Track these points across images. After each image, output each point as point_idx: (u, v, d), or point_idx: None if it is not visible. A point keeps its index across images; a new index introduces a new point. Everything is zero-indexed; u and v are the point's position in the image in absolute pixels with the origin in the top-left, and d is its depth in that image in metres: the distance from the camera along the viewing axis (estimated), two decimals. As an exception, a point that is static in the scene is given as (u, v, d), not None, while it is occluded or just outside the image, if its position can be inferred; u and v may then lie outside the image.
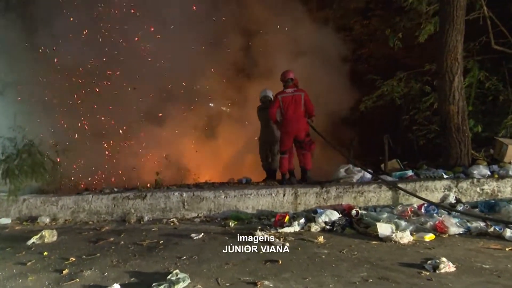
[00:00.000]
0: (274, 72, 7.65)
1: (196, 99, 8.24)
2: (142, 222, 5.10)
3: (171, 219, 5.11)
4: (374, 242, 3.73)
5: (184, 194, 5.33)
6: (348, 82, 11.43)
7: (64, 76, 7.13)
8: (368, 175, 5.54)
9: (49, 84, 7.00)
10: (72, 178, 6.39)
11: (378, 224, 3.96)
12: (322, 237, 3.87)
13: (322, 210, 4.61)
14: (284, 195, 5.16)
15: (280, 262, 3.14)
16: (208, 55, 8.38)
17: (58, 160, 6.13)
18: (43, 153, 6.00)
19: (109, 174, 6.64)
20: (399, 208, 4.61)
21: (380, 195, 5.02)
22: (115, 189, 5.90)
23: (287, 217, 4.54)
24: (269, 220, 4.85)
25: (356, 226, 4.27)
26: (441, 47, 5.79)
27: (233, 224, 4.68)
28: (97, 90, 7.26)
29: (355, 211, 4.55)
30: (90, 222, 5.26)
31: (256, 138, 7.14)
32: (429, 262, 2.98)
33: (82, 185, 6.26)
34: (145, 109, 7.52)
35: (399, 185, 5.01)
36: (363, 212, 4.61)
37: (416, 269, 2.92)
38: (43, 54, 7.13)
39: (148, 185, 6.15)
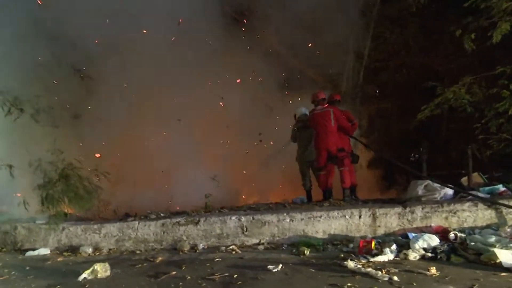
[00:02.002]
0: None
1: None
2: (197, 251, 4.57)
3: (230, 247, 4.58)
4: (503, 274, 3.06)
5: (243, 218, 4.78)
6: (389, 92, 11.01)
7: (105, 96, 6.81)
8: (450, 192, 4.90)
9: (92, 105, 6.70)
10: (113, 205, 5.90)
11: (496, 250, 3.32)
12: (434, 268, 3.21)
13: (417, 235, 4.01)
14: (360, 216, 4.56)
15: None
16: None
17: (99, 183, 5.66)
18: (84, 177, 5.57)
19: (153, 199, 6.12)
20: (508, 229, 3.94)
21: (477, 215, 4.36)
22: (162, 214, 5.39)
23: (373, 243, 3.94)
24: (347, 246, 4.28)
25: (462, 252, 3.63)
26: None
27: (308, 252, 4.09)
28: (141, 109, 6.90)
29: (453, 235, 3.97)
30: (138, 252, 4.75)
31: (296, 159, 6.83)
32: None
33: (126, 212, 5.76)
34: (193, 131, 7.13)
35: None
36: (462, 235, 3.98)
37: None
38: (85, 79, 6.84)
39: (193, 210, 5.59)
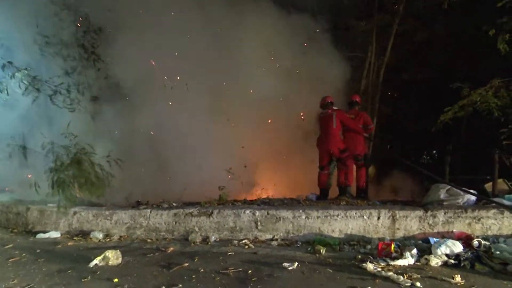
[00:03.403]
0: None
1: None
2: (209, 243, 4.52)
3: (243, 241, 4.52)
4: (534, 286, 2.93)
5: (257, 213, 4.70)
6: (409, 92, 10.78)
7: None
8: (473, 197, 4.74)
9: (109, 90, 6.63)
10: (125, 192, 5.86)
11: (525, 261, 3.16)
12: (458, 276, 3.09)
13: (439, 240, 3.88)
14: (378, 218, 4.43)
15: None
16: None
17: (110, 170, 5.63)
18: (95, 163, 5.54)
19: (167, 188, 6.07)
20: (536, 240, 3.79)
21: (502, 223, 4.20)
22: (174, 204, 5.35)
23: (392, 246, 3.82)
24: (364, 247, 4.18)
25: (487, 261, 3.50)
26: None
27: (324, 251, 3.99)
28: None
29: (477, 242, 3.83)
30: (149, 240, 4.72)
31: None
32: None
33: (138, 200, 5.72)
34: (211, 115, 7.04)
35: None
36: (486, 243, 3.84)
37: None
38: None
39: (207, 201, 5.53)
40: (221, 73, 7.26)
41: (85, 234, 4.89)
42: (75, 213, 5.10)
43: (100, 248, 4.13)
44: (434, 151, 14.33)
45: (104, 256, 3.66)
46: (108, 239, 4.76)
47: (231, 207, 4.96)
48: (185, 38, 7.04)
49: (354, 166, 6.43)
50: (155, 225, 4.86)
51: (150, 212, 4.94)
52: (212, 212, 4.79)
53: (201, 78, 6.99)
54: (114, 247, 4.07)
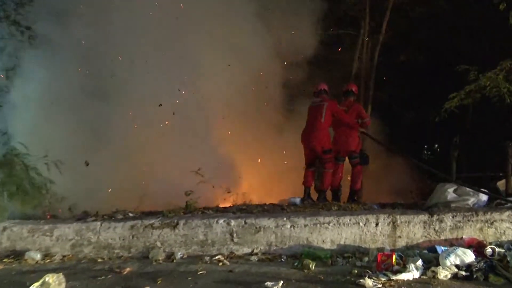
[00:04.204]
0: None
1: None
2: (174, 261, 4.46)
3: (216, 256, 4.47)
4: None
5: (233, 222, 4.68)
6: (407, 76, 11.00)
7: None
8: (484, 197, 4.88)
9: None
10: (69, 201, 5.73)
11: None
12: (471, 290, 3.15)
13: (447, 248, 3.95)
14: (376, 224, 4.49)
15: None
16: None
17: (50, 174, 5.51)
18: (30, 166, 5.41)
19: (121, 194, 5.97)
20: (557, 246, 3.94)
21: (518, 226, 4.35)
22: (131, 214, 5.28)
23: (394, 257, 3.87)
24: (360, 260, 4.22)
25: (502, 271, 3.60)
26: None
27: (313, 266, 4.00)
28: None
29: (490, 249, 3.92)
30: (100, 260, 4.63)
31: None
32: None
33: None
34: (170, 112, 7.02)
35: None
36: (501, 250, 3.95)
37: None
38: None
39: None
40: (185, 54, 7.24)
41: (18, 254, 4.75)
42: (4, 228, 4.92)
43: (38, 272, 4.01)
44: (436, 145, 14.78)
45: (43, 282, 3.52)
46: (48, 260, 4.65)
47: (201, 216, 4.93)
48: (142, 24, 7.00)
49: (358, 168, 6.69)
50: (107, 241, 4.77)
51: (101, 225, 4.84)
52: (177, 223, 4.73)
53: (163, 59, 6.92)
54: (55, 270, 3.92)
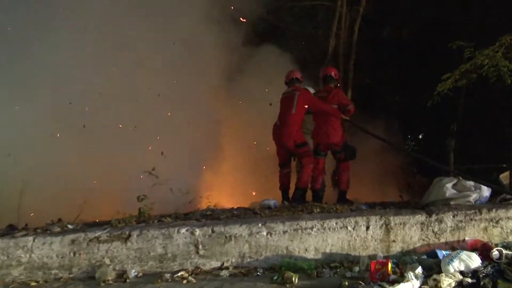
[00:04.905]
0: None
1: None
2: (128, 280, 4.36)
3: (179, 273, 4.42)
4: None
5: (198, 231, 4.61)
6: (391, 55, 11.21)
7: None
8: (486, 193, 5.03)
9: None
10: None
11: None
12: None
13: (449, 253, 4.03)
14: (367, 227, 4.55)
15: None
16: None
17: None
18: None
19: (57, 201, 5.80)
20: None
21: (527, 225, 4.51)
22: (70, 226, 5.10)
23: (389, 265, 3.92)
24: (350, 270, 4.25)
25: (511, 276, 3.68)
26: None
27: (296, 280, 4.00)
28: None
29: (497, 252, 4.04)
30: (33, 283, 4.43)
31: None
32: None
33: None
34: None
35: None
36: (508, 252, 4.10)
37: None
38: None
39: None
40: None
41: None
42: None
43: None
44: (421, 135, 15.18)
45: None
46: (-35, 286, 4.43)
47: (158, 226, 4.83)
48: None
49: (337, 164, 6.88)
50: (43, 260, 4.58)
51: (34, 240, 4.63)
52: (129, 235, 4.62)
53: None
54: (-22, 299, 3.78)
